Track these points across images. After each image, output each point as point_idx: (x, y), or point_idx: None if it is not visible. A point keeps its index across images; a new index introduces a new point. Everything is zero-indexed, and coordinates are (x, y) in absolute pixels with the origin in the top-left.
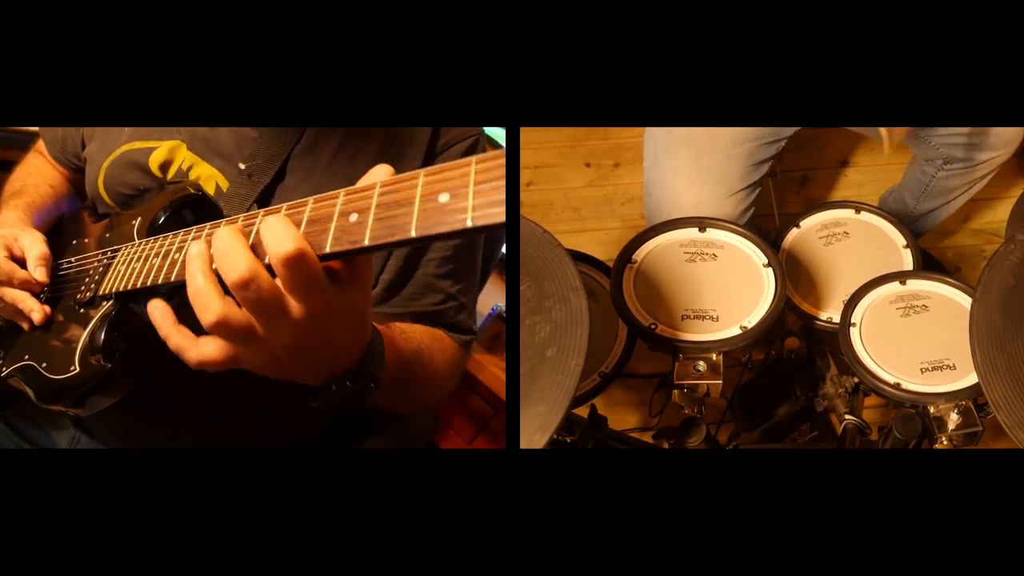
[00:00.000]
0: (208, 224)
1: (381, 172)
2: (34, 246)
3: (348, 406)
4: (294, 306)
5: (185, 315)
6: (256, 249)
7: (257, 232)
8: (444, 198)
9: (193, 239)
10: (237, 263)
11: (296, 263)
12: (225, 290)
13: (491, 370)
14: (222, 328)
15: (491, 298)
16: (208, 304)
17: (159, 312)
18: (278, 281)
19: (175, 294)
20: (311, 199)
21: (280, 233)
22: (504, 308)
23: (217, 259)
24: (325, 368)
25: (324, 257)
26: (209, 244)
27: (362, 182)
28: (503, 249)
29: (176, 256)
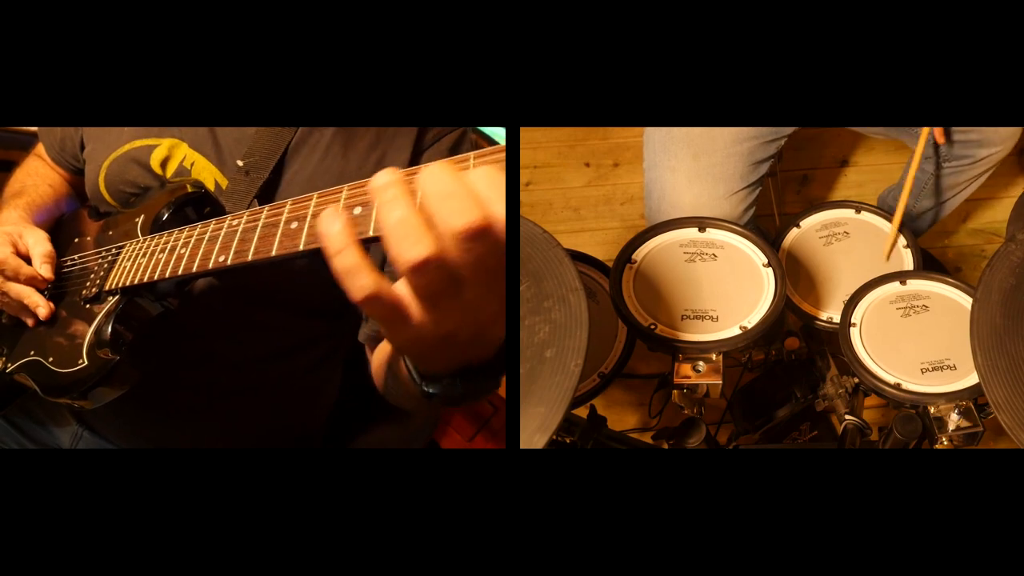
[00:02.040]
0: (213, 220)
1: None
2: (38, 244)
3: (464, 401)
4: (499, 276)
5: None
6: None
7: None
8: None
9: (213, 229)
10: (469, 207)
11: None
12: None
13: None
14: (427, 269)
15: None
16: (420, 237)
17: (341, 221)
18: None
19: (180, 289)
20: (315, 195)
21: (498, 196)
22: None
23: (436, 199)
24: (468, 357)
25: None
26: (400, 177)
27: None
28: None
29: (183, 251)
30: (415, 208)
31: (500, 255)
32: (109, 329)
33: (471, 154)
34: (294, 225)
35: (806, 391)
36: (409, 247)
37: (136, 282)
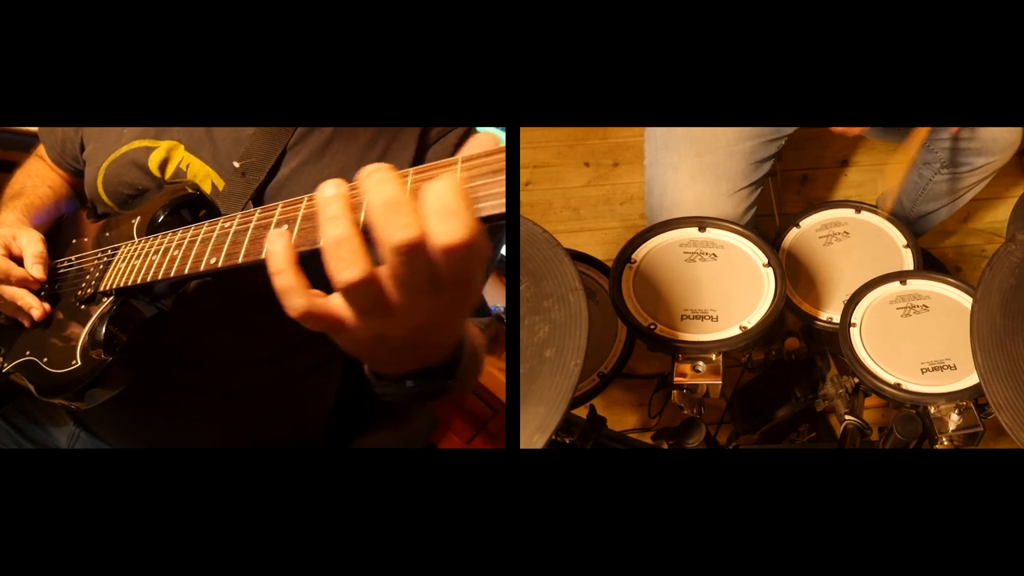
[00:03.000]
0: (206, 222)
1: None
2: (31, 244)
3: (428, 400)
4: (439, 291)
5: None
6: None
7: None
8: None
9: (205, 231)
10: (406, 221)
11: (466, 250)
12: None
13: (489, 370)
14: (358, 291)
15: (490, 299)
16: (354, 258)
17: (283, 242)
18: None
19: (174, 290)
20: (305, 197)
21: (453, 214)
22: (503, 308)
23: (377, 210)
24: (420, 360)
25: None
26: (347, 186)
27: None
28: (502, 250)
29: (175, 253)
30: (355, 226)
31: (435, 267)
32: (103, 330)
33: (459, 157)
34: (284, 227)
35: (806, 391)
36: (343, 268)
37: (130, 283)
